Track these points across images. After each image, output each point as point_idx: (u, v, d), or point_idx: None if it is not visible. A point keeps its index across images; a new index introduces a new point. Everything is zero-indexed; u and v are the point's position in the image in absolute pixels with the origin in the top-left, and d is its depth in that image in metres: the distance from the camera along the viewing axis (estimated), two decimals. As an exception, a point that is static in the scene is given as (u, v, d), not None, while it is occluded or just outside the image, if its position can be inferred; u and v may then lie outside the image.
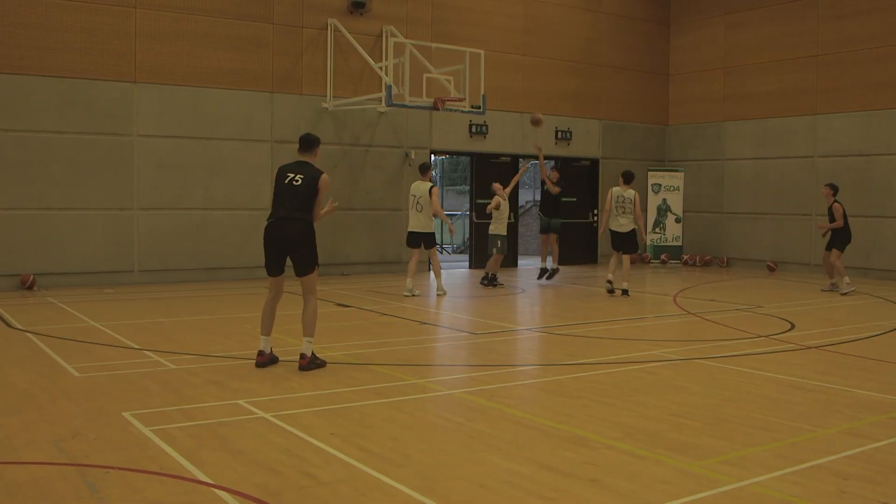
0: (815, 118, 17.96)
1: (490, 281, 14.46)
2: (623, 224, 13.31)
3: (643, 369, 7.63)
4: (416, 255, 13.15)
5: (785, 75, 18.48)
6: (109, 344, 8.55)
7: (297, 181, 7.36)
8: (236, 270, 15.00)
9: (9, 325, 9.75)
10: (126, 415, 5.79)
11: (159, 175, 14.36)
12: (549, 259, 15.42)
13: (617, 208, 13.29)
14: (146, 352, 8.21)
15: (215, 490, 4.33)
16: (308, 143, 7.62)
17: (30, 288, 13.05)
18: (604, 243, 18.70)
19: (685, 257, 19.93)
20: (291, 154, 8.22)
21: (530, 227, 24.64)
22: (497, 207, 14.22)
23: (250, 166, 15.20)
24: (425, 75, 14.50)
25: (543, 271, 15.37)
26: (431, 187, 13.01)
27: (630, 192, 13.32)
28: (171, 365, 7.55)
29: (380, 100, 15.12)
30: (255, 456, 4.90)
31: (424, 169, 13.31)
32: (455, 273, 17.35)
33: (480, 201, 17.72)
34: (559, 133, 19.20)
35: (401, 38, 15.14)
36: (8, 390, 6.54)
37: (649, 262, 19.98)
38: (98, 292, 13.03)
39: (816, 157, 17.95)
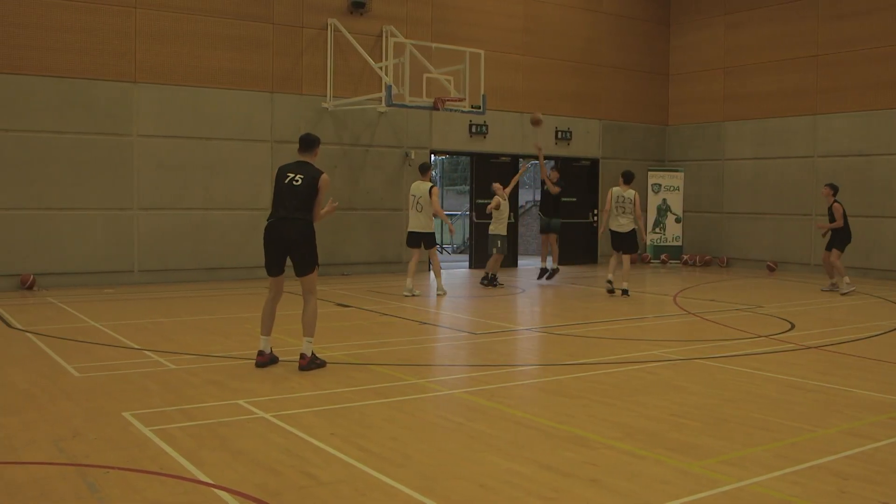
0: (815, 118, 17.96)
1: (490, 281, 14.46)
2: (623, 224, 13.31)
3: (643, 369, 7.63)
4: (416, 255, 13.16)
5: (785, 75, 18.48)
6: (109, 344, 8.56)
7: (297, 181, 7.36)
8: (236, 270, 15.00)
9: (9, 325, 9.75)
10: (126, 415, 5.79)
11: (159, 175, 14.36)
12: (549, 259, 15.43)
13: (617, 208, 13.30)
14: (146, 352, 8.21)
15: (215, 490, 4.33)
16: (308, 142, 7.62)
17: (30, 288, 13.05)
18: (604, 243, 18.70)
19: (685, 257, 19.93)
20: (291, 154, 8.22)
21: (530, 227, 24.64)
22: (497, 207, 14.22)
23: (250, 166, 15.20)
24: (425, 75, 14.50)
25: (543, 271, 15.37)
26: (431, 187, 13.01)
27: (630, 192, 13.32)
28: (171, 365, 7.55)
29: (380, 100, 15.12)
30: (255, 456, 4.90)
31: (424, 169, 13.32)
32: (455, 273, 17.35)
33: (480, 201, 17.72)
34: (559, 133, 19.20)
35: (401, 38, 15.14)
36: (8, 390, 6.54)
37: (649, 262, 19.98)
38: (98, 292, 13.03)
39: (816, 157, 17.95)
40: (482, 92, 15.04)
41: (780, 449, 5.17)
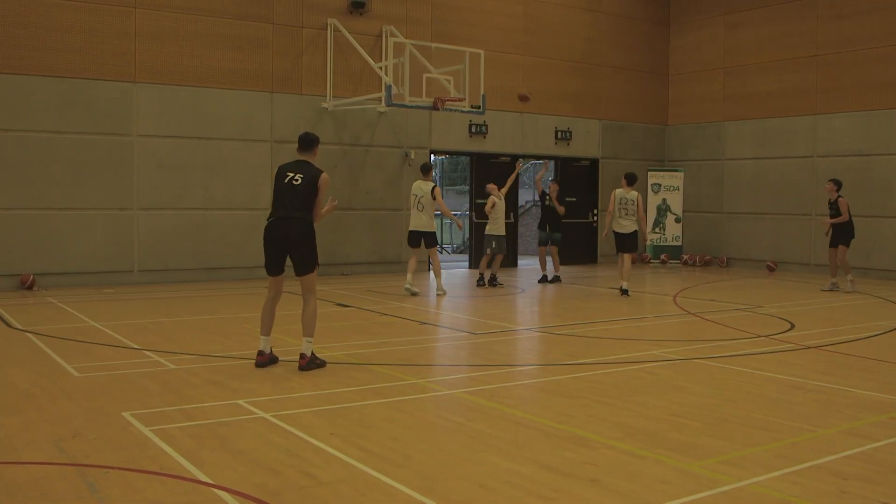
0: (815, 118, 17.96)
1: (490, 281, 14.47)
2: (625, 226, 13.32)
3: (643, 369, 7.63)
4: (416, 253, 13.24)
5: (785, 75, 18.48)
6: (109, 344, 8.55)
7: (296, 180, 7.36)
8: (236, 270, 15.00)
9: (9, 325, 9.75)
10: (126, 415, 5.79)
11: (159, 175, 14.36)
12: (549, 261, 15.51)
13: (620, 210, 13.30)
14: (146, 352, 8.21)
15: (215, 490, 4.33)
16: (307, 142, 7.62)
17: (30, 288, 13.05)
18: (604, 244, 18.72)
19: (685, 257, 19.93)
20: (291, 154, 8.22)
21: (530, 227, 24.63)
22: (492, 207, 14.22)
23: (250, 166, 15.20)
24: (425, 75, 14.51)
25: (544, 278, 15.40)
26: (434, 188, 13.06)
27: (633, 194, 13.33)
28: (171, 365, 7.55)
29: (380, 100, 15.13)
30: (255, 456, 4.90)
31: (426, 169, 13.37)
32: (455, 273, 17.35)
33: (480, 201, 17.69)
34: (559, 133, 19.20)
35: (401, 38, 15.14)
36: (8, 390, 6.54)
37: (649, 262, 19.98)
38: (98, 292, 13.03)
39: (816, 157, 17.95)
40: (482, 92, 15.05)
41: (780, 449, 5.17)
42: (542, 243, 15.47)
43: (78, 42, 13.59)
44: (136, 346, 8.46)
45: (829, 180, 14.50)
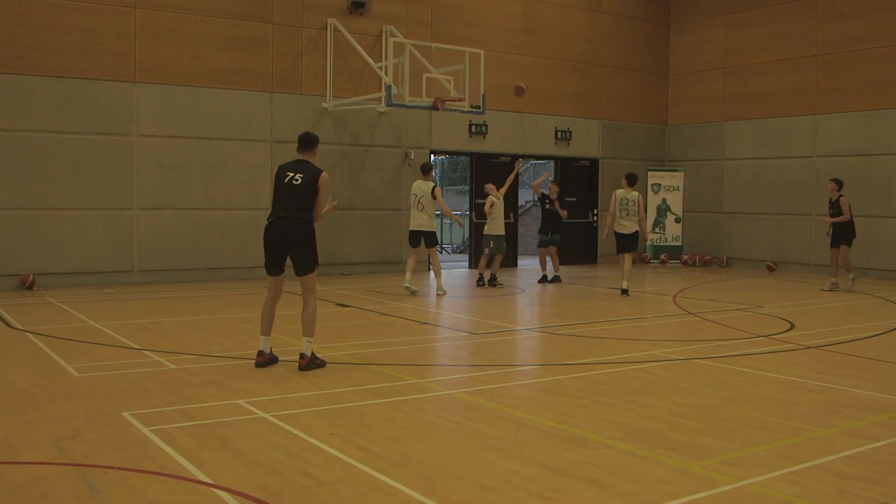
0: (815, 118, 17.96)
1: (490, 281, 14.47)
2: (626, 226, 13.32)
3: (643, 369, 7.63)
4: (416, 253, 13.27)
5: (785, 75, 18.48)
6: (109, 344, 8.55)
7: (296, 180, 7.35)
8: (236, 270, 15.00)
9: (9, 325, 9.75)
10: (126, 415, 5.79)
11: (159, 175, 14.36)
12: (549, 263, 15.53)
13: (620, 210, 13.30)
14: (146, 352, 8.21)
15: (215, 490, 4.33)
16: (307, 141, 7.61)
17: (30, 288, 13.05)
18: (604, 244, 18.72)
19: (685, 257, 19.93)
20: (291, 154, 8.22)
21: (530, 227, 24.63)
22: (491, 207, 14.22)
23: (250, 166, 15.20)
24: (425, 75, 14.51)
25: (544, 278, 15.41)
26: (434, 188, 13.07)
27: (633, 194, 13.33)
28: (171, 365, 7.55)
29: (380, 100, 15.13)
30: (255, 456, 4.90)
31: (426, 169, 13.38)
32: (455, 273, 17.35)
33: (480, 201, 17.68)
34: (559, 133, 19.20)
35: (400, 38, 15.14)
36: (8, 390, 6.54)
37: (649, 262, 19.98)
38: (98, 292, 13.03)
39: (816, 157, 17.95)
40: (482, 92, 15.05)
41: (780, 449, 5.17)
42: (541, 244, 15.51)
43: (78, 42, 13.59)
44: (136, 346, 8.46)
45: (831, 180, 14.50)
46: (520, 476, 4.60)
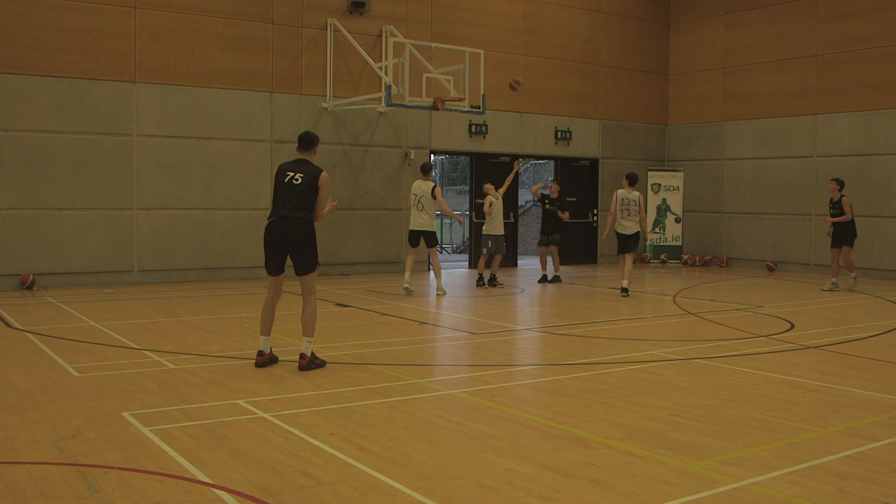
0: (815, 118, 17.96)
1: (490, 281, 14.47)
2: (627, 227, 13.32)
3: (643, 369, 7.63)
4: (415, 252, 13.29)
5: (785, 75, 18.48)
6: (109, 344, 8.55)
7: (296, 180, 7.35)
8: (236, 270, 15.00)
9: (9, 325, 9.75)
10: (126, 415, 5.79)
11: (159, 175, 14.36)
12: (550, 264, 15.53)
13: (621, 210, 13.30)
14: (146, 352, 8.21)
15: (215, 490, 4.33)
16: (307, 141, 7.61)
17: (30, 288, 13.04)
18: (605, 244, 18.72)
19: (685, 257, 19.93)
20: (291, 154, 8.23)
21: (530, 226, 24.64)
22: (490, 207, 14.22)
23: (250, 166, 15.20)
24: (425, 75, 14.52)
25: (544, 278, 15.42)
26: (434, 187, 13.08)
27: (634, 195, 13.33)
28: (171, 365, 7.55)
29: (380, 100, 15.13)
30: (255, 456, 4.90)
31: (426, 169, 13.39)
32: (455, 273, 17.35)
33: (480, 201, 17.69)
34: (559, 133, 19.20)
35: (400, 38, 15.15)
36: (8, 390, 6.54)
37: (649, 262, 19.98)
38: (98, 292, 13.03)
39: (816, 157, 17.95)
40: (482, 92, 15.05)
41: (780, 449, 5.17)
42: (542, 243, 15.53)
43: (78, 42, 13.59)
44: (136, 346, 8.46)
45: (832, 180, 14.49)
46: (520, 476, 4.60)
